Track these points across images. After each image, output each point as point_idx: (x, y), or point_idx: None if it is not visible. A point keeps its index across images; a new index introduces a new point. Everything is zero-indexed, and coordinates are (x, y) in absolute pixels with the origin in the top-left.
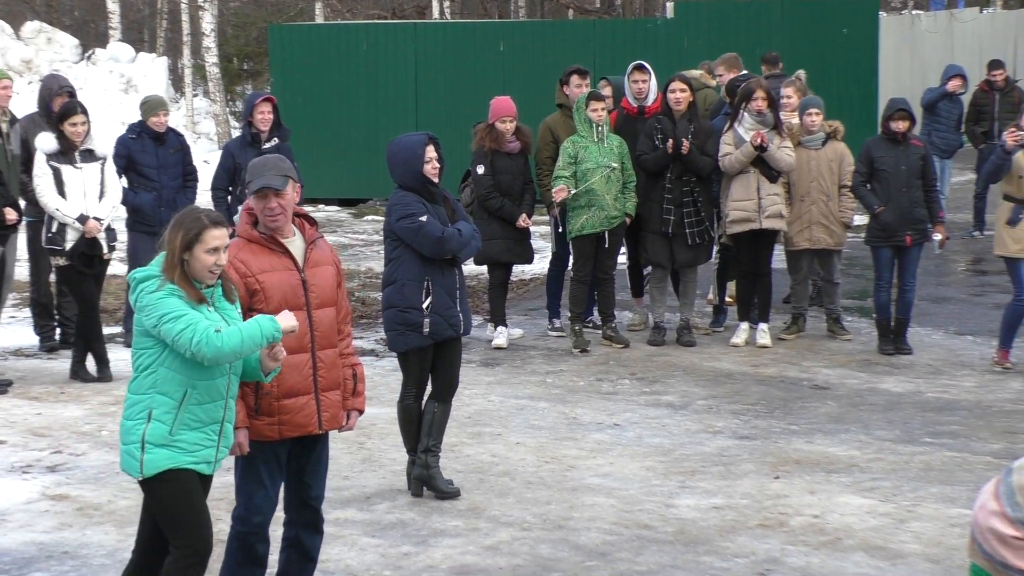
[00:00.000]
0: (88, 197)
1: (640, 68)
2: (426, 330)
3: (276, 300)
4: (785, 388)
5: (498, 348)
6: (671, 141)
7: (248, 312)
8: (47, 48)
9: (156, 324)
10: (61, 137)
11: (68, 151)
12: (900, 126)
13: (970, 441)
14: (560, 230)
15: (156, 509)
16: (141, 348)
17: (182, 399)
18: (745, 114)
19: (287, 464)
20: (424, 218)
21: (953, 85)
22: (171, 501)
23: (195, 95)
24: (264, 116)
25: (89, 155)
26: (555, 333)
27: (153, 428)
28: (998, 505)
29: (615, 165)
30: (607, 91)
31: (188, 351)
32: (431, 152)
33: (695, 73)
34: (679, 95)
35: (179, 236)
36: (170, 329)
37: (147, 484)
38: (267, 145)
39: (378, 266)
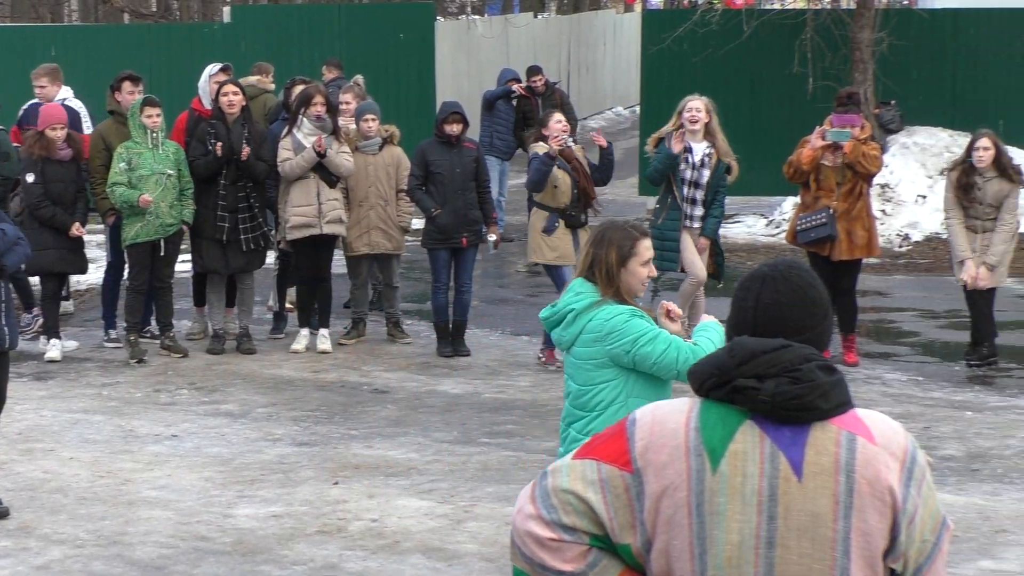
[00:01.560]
0: None
1: (227, 69)
2: None
3: None
4: (345, 393)
5: (51, 361)
6: (219, 144)
7: None
8: None
9: (630, 349)
10: None
11: None
12: (454, 129)
13: (525, 440)
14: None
15: None
16: (599, 383)
17: None
18: (304, 119)
19: None
20: None
21: (518, 87)
22: None
23: None
24: None
25: None
26: (111, 344)
27: None
28: (535, 509)
29: (171, 172)
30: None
31: (674, 370)
32: None
33: (252, 79)
34: (232, 98)
35: (613, 252)
36: (650, 351)
37: None
38: None
39: None
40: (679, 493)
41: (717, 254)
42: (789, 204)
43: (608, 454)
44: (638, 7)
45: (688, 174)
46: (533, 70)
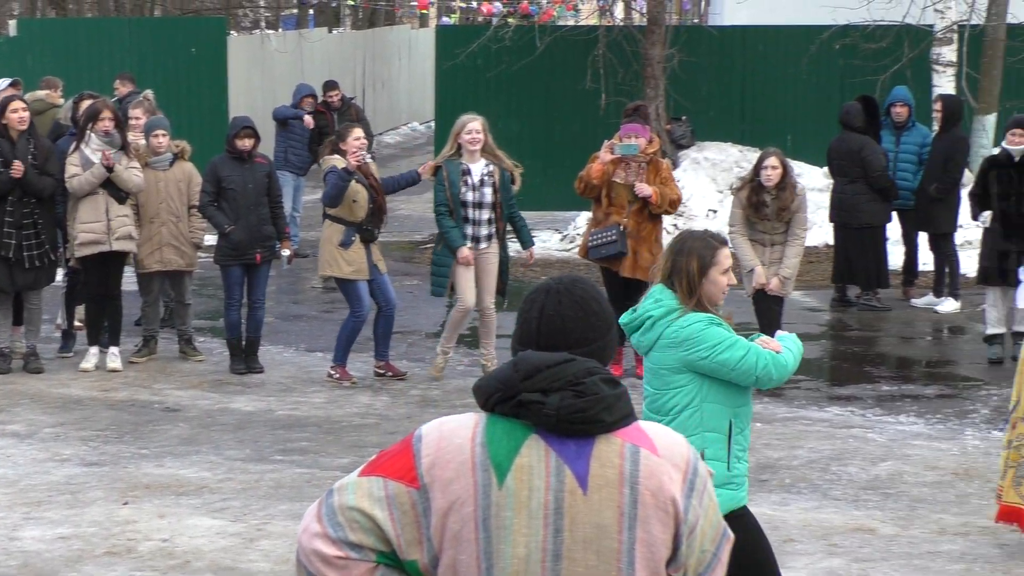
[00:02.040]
0: None
1: (16, 84)
2: None
3: None
4: (136, 412)
5: None
6: (16, 164)
7: None
8: None
9: (707, 356)
10: None
11: None
12: (245, 144)
13: (319, 456)
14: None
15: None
16: (673, 388)
17: (729, 431)
18: (92, 135)
19: None
20: None
21: (307, 105)
22: (747, 541)
23: None
24: None
25: None
26: None
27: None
28: (320, 527)
29: None
30: None
31: (753, 376)
32: None
33: (41, 94)
34: (22, 114)
35: (693, 262)
36: (729, 358)
37: None
38: None
39: None
40: (466, 508)
41: (503, 271)
42: (583, 219)
43: (394, 471)
44: (432, 22)
45: (470, 196)
46: (329, 85)
